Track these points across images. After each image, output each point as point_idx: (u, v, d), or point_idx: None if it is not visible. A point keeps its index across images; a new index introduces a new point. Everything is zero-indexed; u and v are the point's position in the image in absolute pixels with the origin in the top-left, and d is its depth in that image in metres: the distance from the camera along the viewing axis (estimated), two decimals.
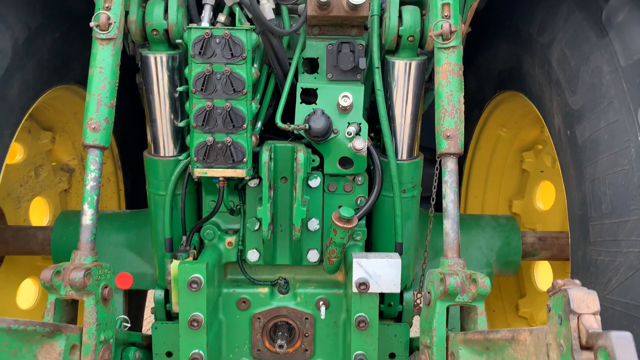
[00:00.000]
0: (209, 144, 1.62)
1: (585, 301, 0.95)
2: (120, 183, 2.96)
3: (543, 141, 2.65)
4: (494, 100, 2.54)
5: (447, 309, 1.43)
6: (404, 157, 1.84)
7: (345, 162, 1.77)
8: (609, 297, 1.47)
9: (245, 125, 1.63)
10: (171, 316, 1.98)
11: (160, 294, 2.02)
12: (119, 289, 2.16)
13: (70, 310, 1.51)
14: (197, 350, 1.66)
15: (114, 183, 2.97)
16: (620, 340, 0.82)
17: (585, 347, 0.93)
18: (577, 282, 1.01)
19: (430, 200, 1.96)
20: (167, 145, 1.83)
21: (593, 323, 0.92)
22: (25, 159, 2.62)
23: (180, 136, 1.84)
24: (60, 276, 1.42)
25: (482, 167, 2.91)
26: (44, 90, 2.09)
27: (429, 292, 1.48)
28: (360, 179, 1.85)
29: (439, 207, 1.86)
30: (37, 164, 2.67)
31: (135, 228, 2.29)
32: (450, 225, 1.53)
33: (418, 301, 2.05)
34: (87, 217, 1.50)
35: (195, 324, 1.64)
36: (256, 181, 1.81)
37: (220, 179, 1.68)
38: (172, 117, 1.80)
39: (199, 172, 1.65)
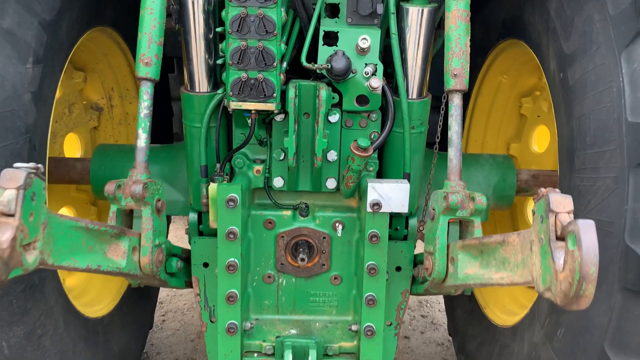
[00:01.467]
0: (243, 80, 1.83)
1: (562, 202, 1.19)
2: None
3: (541, 88, 2.85)
4: (497, 48, 2.73)
5: (448, 223, 1.69)
6: (414, 96, 2.05)
7: (361, 99, 1.99)
8: (588, 217, 1.72)
9: (275, 64, 1.84)
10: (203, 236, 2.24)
11: (194, 216, 2.28)
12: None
13: (127, 220, 1.76)
14: (233, 259, 1.93)
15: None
16: (585, 225, 1.06)
17: (559, 238, 1.18)
18: (557, 190, 1.25)
19: (435, 138, 2.20)
20: (202, 82, 2.04)
21: (567, 219, 1.17)
22: (61, 96, 2.83)
23: (213, 74, 2.05)
24: (121, 189, 1.66)
25: (484, 112, 3.12)
26: (84, 31, 2.29)
27: (433, 209, 1.73)
28: (374, 115, 2.07)
29: (442, 147, 2.09)
30: (70, 102, 2.87)
31: (167, 160, 2.53)
32: (453, 152, 1.77)
33: (421, 228, 2.31)
34: (142, 140, 1.74)
35: (232, 236, 1.90)
36: (282, 116, 2.03)
37: (253, 111, 1.90)
38: (207, 56, 2.00)
39: (234, 105, 1.87)
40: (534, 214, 1.29)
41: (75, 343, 2.20)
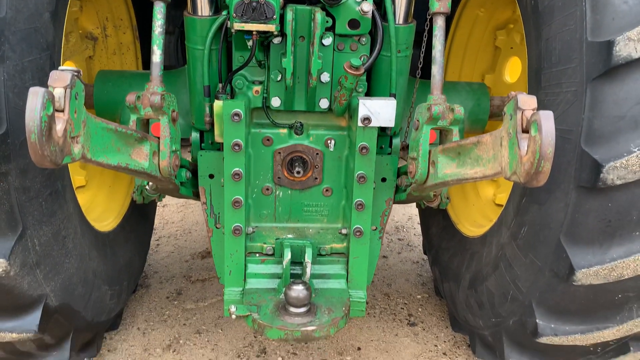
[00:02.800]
0: (246, 2, 1.99)
1: (528, 101, 1.43)
2: (138, 52, 3.31)
3: (514, 20, 3.05)
4: None
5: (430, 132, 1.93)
6: (401, 21, 2.24)
7: (353, 23, 2.17)
8: None
9: None
10: None
11: (196, 135, 2.47)
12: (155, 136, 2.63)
13: (144, 130, 1.95)
14: (238, 168, 2.15)
15: (132, 52, 3.31)
16: (545, 114, 1.30)
17: (525, 131, 1.42)
18: (524, 93, 1.48)
19: (418, 64, 2.41)
20: (204, 6, 2.19)
21: (530, 113, 1.41)
22: None
23: None
24: (140, 100, 1.84)
25: (461, 45, 3.33)
26: None
27: (417, 120, 1.96)
28: (364, 39, 2.26)
29: (424, 75, 2.29)
30: (67, 30, 2.97)
31: (166, 85, 2.69)
32: (437, 70, 1.99)
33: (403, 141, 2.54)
34: (157, 56, 1.91)
35: (237, 148, 2.11)
36: (279, 39, 2.20)
37: (254, 32, 2.07)
38: None
39: (237, 26, 2.03)
40: (504, 114, 1.53)
41: (90, 250, 2.42)
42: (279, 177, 2.39)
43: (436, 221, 3.42)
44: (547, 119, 1.30)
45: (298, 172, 2.33)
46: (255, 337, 3.07)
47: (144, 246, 3.35)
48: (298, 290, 2.09)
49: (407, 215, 4.83)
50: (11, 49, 1.74)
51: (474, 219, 3.12)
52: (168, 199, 4.95)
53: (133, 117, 1.89)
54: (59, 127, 1.32)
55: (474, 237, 2.87)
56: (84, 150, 1.48)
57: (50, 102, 1.29)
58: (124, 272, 2.87)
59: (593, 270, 1.90)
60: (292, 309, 2.10)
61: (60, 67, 1.39)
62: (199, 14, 2.20)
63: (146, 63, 3.35)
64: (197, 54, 2.26)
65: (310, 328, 2.04)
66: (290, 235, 2.40)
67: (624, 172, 1.75)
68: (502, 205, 3.21)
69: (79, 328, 2.39)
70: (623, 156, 1.75)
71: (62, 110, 1.35)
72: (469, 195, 3.32)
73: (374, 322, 3.26)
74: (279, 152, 2.36)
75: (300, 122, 2.36)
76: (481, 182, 3.36)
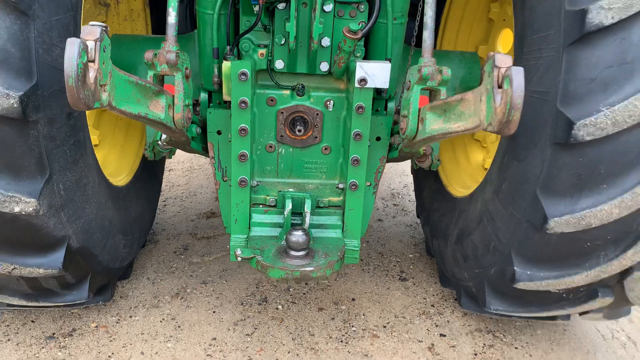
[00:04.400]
0: None
1: (504, 60, 1.61)
2: (148, 18, 3.47)
3: None
4: None
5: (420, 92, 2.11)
6: None
7: None
8: (531, 89, 2.16)
9: None
10: None
11: (204, 95, 2.65)
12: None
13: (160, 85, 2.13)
14: (244, 124, 2.34)
15: (143, 18, 3.47)
16: (516, 70, 1.49)
17: (500, 86, 1.61)
18: (501, 52, 1.66)
19: (413, 32, 2.58)
20: None
21: (504, 70, 1.59)
22: None
23: None
24: (157, 57, 2.03)
25: (456, 17, 3.50)
26: None
27: (409, 81, 2.15)
28: (362, 7, 2.42)
29: (418, 44, 2.46)
30: None
31: (182, 49, 2.87)
32: (427, 34, 2.16)
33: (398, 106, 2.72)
34: (172, 17, 2.08)
35: (244, 105, 2.30)
36: (283, 5, 2.37)
37: None
38: None
39: None
40: (483, 73, 1.71)
41: (106, 200, 2.63)
42: (281, 136, 2.58)
43: (428, 184, 3.62)
44: (517, 73, 1.48)
45: (299, 131, 2.52)
46: (257, 287, 3.30)
47: (153, 203, 3.56)
48: (298, 235, 2.30)
49: (402, 183, 5.04)
50: (40, 8, 1.92)
51: (463, 181, 3.33)
52: (174, 164, 5.16)
53: (150, 73, 2.07)
54: (91, 74, 1.51)
55: (462, 197, 3.08)
56: (110, 98, 1.66)
57: (85, 51, 1.47)
58: (136, 225, 3.08)
59: (564, 219, 2.11)
60: (293, 253, 2.31)
61: (90, 23, 1.57)
62: None
63: (155, 29, 3.51)
64: (207, 18, 2.43)
65: (308, 269, 2.26)
66: (291, 190, 2.60)
67: (593, 129, 1.94)
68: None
69: (95, 271, 2.61)
70: (593, 115, 1.93)
71: (93, 61, 1.54)
72: (460, 160, 3.52)
73: (368, 277, 3.49)
74: (282, 112, 2.55)
75: (301, 84, 2.54)
76: (472, 147, 3.56)
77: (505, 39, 3.44)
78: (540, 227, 2.17)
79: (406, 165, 5.26)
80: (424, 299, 3.32)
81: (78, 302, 2.57)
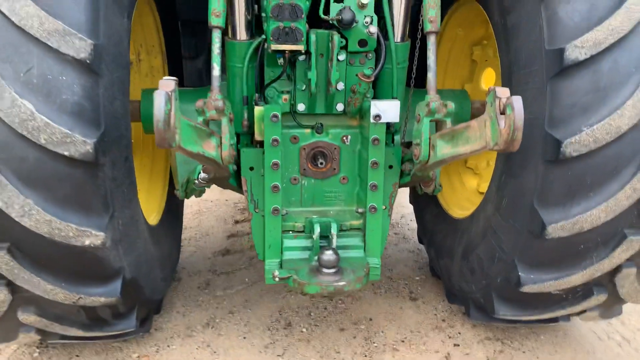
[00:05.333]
0: (281, 28, 2.54)
1: (503, 91, 1.97)
2: (166, 74, 3.83)
3: (487, 37, 3.65)
4: (454, 5, 3.52)
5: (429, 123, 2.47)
6: (398, 40, 2.80)
7: (362, 43, 2.71)
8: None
9: (303, 16, 2.54)
10: None
11: (234, 137, 2.98)
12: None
13: None
14: (276, 160, 2.66)
15: (162, 74, 3.82)
16: (516, 98, 1.85)
17: (502, 113, 1.97)
18: (500, 86, 2.03)
19: (411, 74, 2.96)
20: (242, 32, 2.73)
21: (505, 100, 1.96)
22: None
23: (250, 26, 2.74)
24: (206, 105, 2.36)
25: (443, 59, 3.92)
26: None
27: (418, 114, 2.51)
28: (370, 55, 2.80)
29: (415, 85, 2.83)
30: None
31: (203, 97, 3.21)
32: (431, 75, 2.54)
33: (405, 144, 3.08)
34: (216, 71, 2.42)
35: (275, 142, 2.63)
36: (303, 56, 2.74)
37: (287, 52, 2.60)
38: (246, 13, 2.69)
39: (274, 47, 2.56)
40: (486, 103, 2.07)
41: (147, 237, 2.90)
42: (304, 169, 2.91)
43: (429, 210, 3.96)
44: (517, 101, 1.85)
45: (321, 163, 2.86)
46: (280, 314, 3.55)
47: (178, 241, 3.82)
48: (329, 255, 2.59)
49: (400, 214, 5.37)
50: (106, 68, 2.25)
51: (462, 204, 3.68)
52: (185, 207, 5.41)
53: (200, 119, 2.39)
54: (172, 119, 1.83)
55: (463, 218, 3.42)
56: (178, 139, 1.98)
57: (169, 101, 1.80)
58: (167, 260, 3.35)
59: (560, 225, 2.45)
60: (325, 270, 2.60)
61: (164, 77, 1.90)
62: (238, 38, 2.74)
63: None
64: (236, 70, 2.79)
65: (340, 283, 2.55)
66: (315, 216, 2.91)
67: (577, 146, 2.31)
68: (484, 193, 3.78)
69: (141, 302, 2.85)
70: (576, 134, 2.31)
71: (170, 108, 1.86)
72: (456, 186, 3.89)
73: (381, 298, 3.77)
74: (304, 148, 2.88)
75: (320, 123, 2.89)
76: (466, 174, 3.93)
77: (488, 77, 3.88)
78: (540, 234, 2.51)
79: (402, 198, 5.61)
80: (435, 314, 3.60)
81: (127, 330, 2.80)
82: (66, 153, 2.11)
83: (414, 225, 4.75)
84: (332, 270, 2.60)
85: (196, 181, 2.86)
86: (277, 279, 2.67)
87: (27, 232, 2.19)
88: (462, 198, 3.77)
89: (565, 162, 2.38)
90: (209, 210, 5.34)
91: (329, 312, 3.58)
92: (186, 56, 4.13)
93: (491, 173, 3.80)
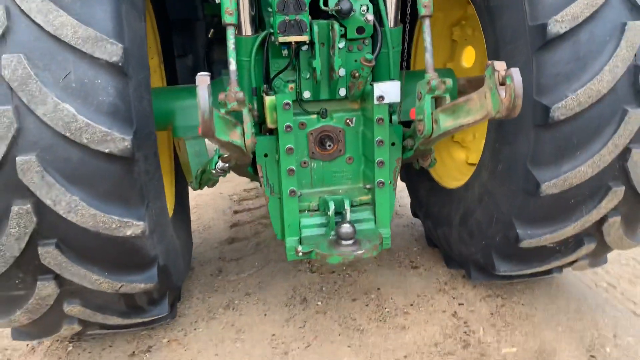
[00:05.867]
0: (287, 21, 2.74)
1: (500, 65, 2.22)
2: (163, 73, 3.98)
3: (466, 18, 3.92)
4: None
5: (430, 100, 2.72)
6: (392, 25, 3.03)
7: (359, 30, 2.92)
8: None
9: (306, 9, 2.74)
10: None
11: (255, 126, 3.17)
12: (200, 135, 3.33)
13: None
14: (290, 145, 2.87)
15: (159, 74, 3.98)
16: (515, 69, 2.10)
17: (501, 84, 2.22)
18: (496, 61, 2.28)
19: (403, 57, 3.20)
20: (247, 27, 2.91)
21: (504, 72, 2.21)
22: None
23: (254, 22, 2.93)
24: (227, 97, 2.54)
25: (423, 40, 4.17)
26: None
27: (420, 92, 2.75)
28: (367, 41, 3.02)
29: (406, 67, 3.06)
30: None
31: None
32: (428, 56, 2.78)
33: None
34: (233, 65, 2.61)
35: (289, 129, 2.83)
36: (306, 47, 2.94)
37: (293, 43, 2.80)
38: (250, 9, 2.87)
39: (282, 39, 2.76)
40: (485, 76, 2.32)
41: (171, 226, 3.08)
42: (312, 152, 3.12)
43: (423, 185, 4.22)
44: (516, 72, 2.09)
45: (329, 146, 3.07)
46: (294, 291, 3.78)
47: (190, 232, 4.00)
48: (347, 227, 2.82)
49: None
50: (133, 69, 2.41)
51: (454, 175, 3.95)
52: None
53: (222, 110, 2.58)
54: (207, 112, 2.02)
55: (458, 188, 3.69)
56: (215, 130, 2.17)
57: (210, 94, 1.98)
58: (186, 249, 3.53)
59: (552, 183, 2.72)
60: (344, 242, 2.82)
61: (200, 73, 2.09)
62: (244, 34, 2.92)
63: (169, 82, 4.02)
64: (244, 64, 2.97)
65: (359, 252, 2.78)
66: (326, 196, 3.13)
67: (564, 110, 2.58)
68: (473, 164, 4.06)
69: (170, 289, 3.04)
70: (562, 99, 2.58)
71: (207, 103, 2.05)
72: (446, 160, 4.15)
73: (385, 269, 4.03)
74: (312, 133, 3.09)
75: (325, 109, 3.09)
76: (454, 148, 4.19)
77: (468, 55, 4.15)
78: (535, 192, 2.78)
79: None
80: (437, 279, 3.88)
81: (160, 315, 2.98)
82: (106, 150, 2.28)
83: (404, 202, 5.03)
84: (350, 242, 2.83)
85: (213, 171, 3.05)
86: (300, 254, 2.89)
87: (73, 227, 2.35)
88: (453, 170, 4.04)
89: (554, 126, 2.65)
90: (206, 204, 5.50)
91: (339, 286, 3.82)
92: (175, 55, 4.29)
93: (478, 145, 4.09)
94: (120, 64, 2.29)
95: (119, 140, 2.29)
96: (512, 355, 3.07)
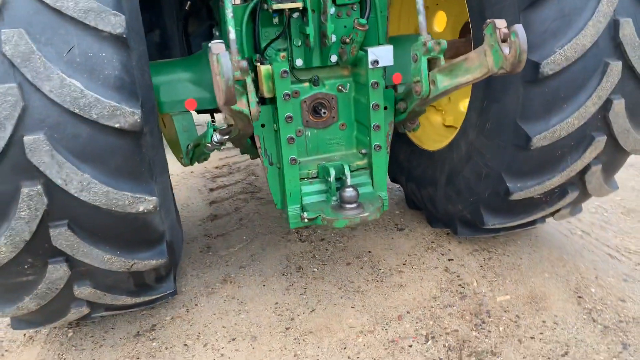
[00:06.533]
0: None
1: (502, 22, 2.31)
2: None
3: None
4: None
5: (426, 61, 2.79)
6: None
7: None
8: None
9: None
10: None
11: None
12: (187, 110, 3.30)
13: None
14: (289, 113, 2.88)
15: None
16: (518, 26, 2.19)
17: (503, 41, 2.31)
18: (496, 19, 2.37)
19: (387, 22, 3.25)
20: None
21: (505, 29, 2.30)
22: None
23: None
24: None
25: (396, 7, 4.25)
26: None
27: (415, 54, 2.81)
28: (355, 7, 3.04)
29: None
30: None
31: (194, 67, 3.33)
32: (422, 18, 2.84)
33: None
34: (232, 34, 2.57)
35: (287, 97, 2.84)
36: (297, 13, 2.94)
37: (286, 10, 2.80)
38: None
39: (276, 6, 2.75)
40: (484, 35, 2.40)
41: (172, 198, 3.05)
42: (307, 120, 3.14)
43: (402, 150, 4.32)
44: (520, 28, 2.19)
45: (324, 113, 3.11)
46: (288, 260, 3.82)
47: (176, 208, 3.95)
48: (350, 191, 2.88)
49: None
50: (134, 41, 2.35)
51: (434, 138, 4.07)
52: None
53: None
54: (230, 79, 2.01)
55: (440, 149, 3.81)
56: None
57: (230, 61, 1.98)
58: (179, 225, 3.50)
59: (542, 135, 2.87)
60: (348, 206, 2.88)
61: (213, 42, 2.06)
62: (234, 2, 2.89)
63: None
64: (235, 33, 2.94)
65: (364, 214, 2.84)
66: (323, 163, 3.17)
67: (553, 65, 2.72)
68: (450, 126, 4.19)
69: (174, 265, 3.02)
70: (550, 55, 2.71)
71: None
72: (424, 124, 4.26)
73: (373, 233, 4.13)
74: (305, 101, 3.11)
75: (317, 76, 3.12)
76: (431, 112, 4.31)
77: (439, 20, 4.25)
78: (525, 146, 2.92)
79: None
80: (423, 238, 4.02)
81: (168, 292, 2.97)
82: (117, 125, 2.23)
83: None
84: (354, 205, 2.90)
85: (208, 144, 3.02)
86: (306, 220, 2.94)
87: (85, 206, 2.30)
88: (432, 133, 4.16)
89: (543, 81, 2.79)
90: (178, 184, 5.43)
91: (331, 252, 3.90)
92: None
93: (453, 107, 4.23)
94: (124, 36, 2.23)
95: (128, 115, 2.24)
96: (507, 302, 3.25)
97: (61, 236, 2.33)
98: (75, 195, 2.26)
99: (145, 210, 2.43)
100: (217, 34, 3.42)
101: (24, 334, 3.19)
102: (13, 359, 3.02)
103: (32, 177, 2.20)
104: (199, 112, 3.69)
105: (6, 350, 3.08)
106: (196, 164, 3.54)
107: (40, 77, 2.11)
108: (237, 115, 2.42)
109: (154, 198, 2.43)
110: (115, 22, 2.20)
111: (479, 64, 2.48)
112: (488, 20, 2.35)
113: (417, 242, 3.97)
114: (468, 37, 3.65)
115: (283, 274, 3.66)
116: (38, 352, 3.05)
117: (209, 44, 2.12)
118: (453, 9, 4.05)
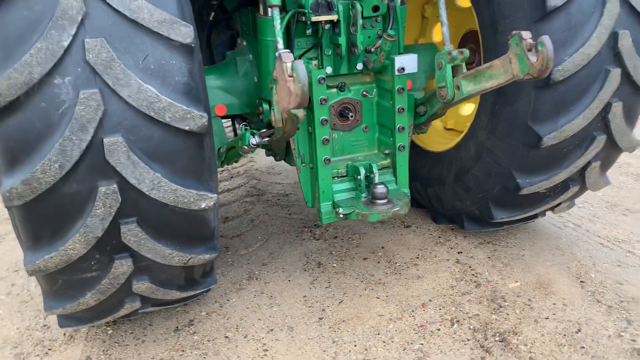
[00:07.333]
0: (318, 1, 2.95)
1: (527, 34, 2.61)
2: None
3: None
4: None
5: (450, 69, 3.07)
6: (400, 3, 3.35)
7: (375, 8, 3.20)
8: None
9: None
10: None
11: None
12: (217, 115, 3.50)
13: None
14: (324, 117, 3.10)
15: None
16: (546, 37, 2.49)
17: (529, 50, 2.61)
18: (522, 31, 2.67)
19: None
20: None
21: (530, 40, 2.60)
22: None
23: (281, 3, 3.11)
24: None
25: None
26: None
27: (440, 62, 3.09)
28: (379, 19, 3.30)
29: None
30: None
31: (226, 75, 3.52)
32: (445, 29, 3.12)
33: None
34: (281, 45, 2.79)
35: (323, 102, 3.07)
36: (328, 25, 3.18)
37: (322, 21, 3.03)
38: None
39: (314, 18, 2.98)
40: (510, 45, 2.69)
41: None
42: (334, 124, 3.38)
43: None
44: (547, 39, 2.49)
45: (351, 116, 3.35)
46: (307, 257, 4.03)
47: None
48: (381, 188, 3.12)
49: None
50: (197, 50, 2.54)
51: (438, 140, 4.37)
52: None
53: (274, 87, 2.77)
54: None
55: (447, 150, 4.10)
56: None
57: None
58: None
59: (552, 135, 3.19)
60: (379, 202, 3.12)
61: (283, 50, 2.27)
62: (269, 15, 3.10)
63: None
64: (268, 43, 3.16)
65: (396, 209, 3.09)
66: (350, 162, 3.41)
67: (562, 72, 3.04)
68: (451, 129, 4.50)
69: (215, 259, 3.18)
70: (561, 63, 3.03)
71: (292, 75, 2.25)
72: None
73: (382, 230, 4.39)
74: (333, 106, 3.35)
75: (343, 82, 3.36)
76: None
77: (438, 31, 4.56)
78: (536, 145, 3.24)
79: None
80: (431, 234, 4.30)
81: (211, 287, 3.13)
82: (187, 128, 2.41)
83: None
84: (384, 201, 3.14)
85: (245, 147, 3.21)
86: (341, 215, 3.16)
87: (154, 204, 2.46)
88: (435, 136, 4.46)
89: (553, 86, 3.11)
90: None
91: (346, 249, 4.12)
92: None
93: (453, 112, 4.53)
94: (192, 45, 2.41)
95: (197, 118, 2.42)
96: (518, 288, 3.55)
97: (130, 232, 2.48)
98: (147, 193, 2.41)
99: (207, 207, 2.60)
100: (244, 43, 3.60)
101: (64, 333, 3.29)
102: (57, 357, 3.11)
103: (109, 176, 2.35)
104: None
105: (49, 349, 3.17)
106: None
107: (120, 83, 2.27)
108: (291, 118, 2.63)
109: (214, 195, 2.61)
110: (185, 33, 2.38)
111: (503, 70, 2.78)
112: (514, 32, 2.65)
113: (425, 238, 4.24)
114: (469, 46, 3.99)
115: (305, 270, 3.86)
116: (82, 350, 3.15)
117: (278, 53, 2.33)
118: (453, 20, 4.35)
